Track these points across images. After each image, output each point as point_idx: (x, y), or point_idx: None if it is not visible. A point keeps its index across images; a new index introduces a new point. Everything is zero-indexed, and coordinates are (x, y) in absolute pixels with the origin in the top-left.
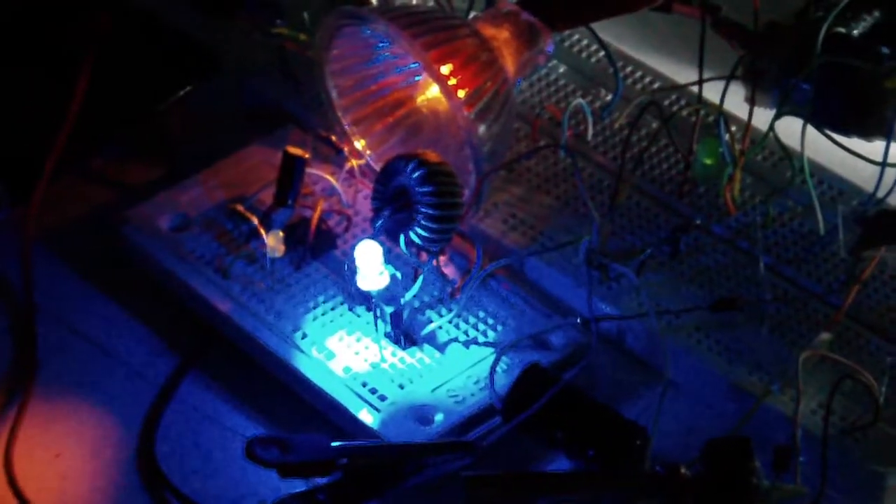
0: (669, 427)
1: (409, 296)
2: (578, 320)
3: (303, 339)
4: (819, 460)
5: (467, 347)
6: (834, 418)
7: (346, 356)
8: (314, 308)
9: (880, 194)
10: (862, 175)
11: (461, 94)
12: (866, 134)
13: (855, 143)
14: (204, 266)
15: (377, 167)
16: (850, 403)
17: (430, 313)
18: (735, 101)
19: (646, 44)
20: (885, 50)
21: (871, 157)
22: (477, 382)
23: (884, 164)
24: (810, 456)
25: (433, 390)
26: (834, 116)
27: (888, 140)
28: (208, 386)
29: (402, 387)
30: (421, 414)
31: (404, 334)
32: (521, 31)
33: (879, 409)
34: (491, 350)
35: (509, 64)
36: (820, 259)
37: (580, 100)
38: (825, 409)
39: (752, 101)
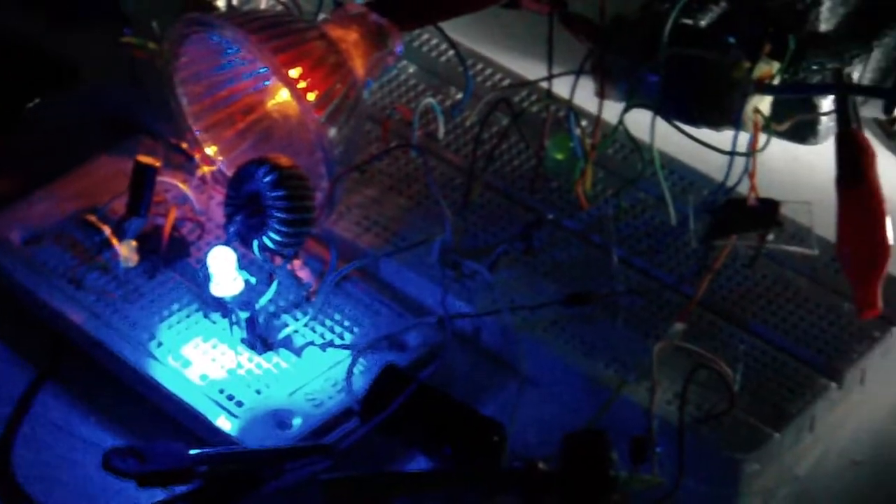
0: (527, 422)
1: (263, 301)
2: (433, 319)
3: (158, 347)
4: (676, 450)
5: (324, 350)
6: (690, 407)
7: (202, 363)
8: (169, 316)
9: (729, 184)
10: (712, 165)
11: (311, 97)
12: (715, 124)
13: (704, 133)
14: (57, 278)
15: (229, 173)
16: (706, 392)
17: (285, 317)
18: (585, 96)
19: (495, 41)
20: (732, 40)
21: (721, 147)
22: (335, 385)
23: (732, 154)
24: (667, 446)
25: (291, 394)
26: (682, 108)
27: (736, 130)
28: (65, 398)
29: (259, 392)
30: (279, 418)
31: (260, 339)
32: (369, 32)
33: (734, 396)
34: (348, 352)
35: (359, 66)
36: (672, 250)
37: (430, 99)
38: (680, 399)
39: (601, 95)
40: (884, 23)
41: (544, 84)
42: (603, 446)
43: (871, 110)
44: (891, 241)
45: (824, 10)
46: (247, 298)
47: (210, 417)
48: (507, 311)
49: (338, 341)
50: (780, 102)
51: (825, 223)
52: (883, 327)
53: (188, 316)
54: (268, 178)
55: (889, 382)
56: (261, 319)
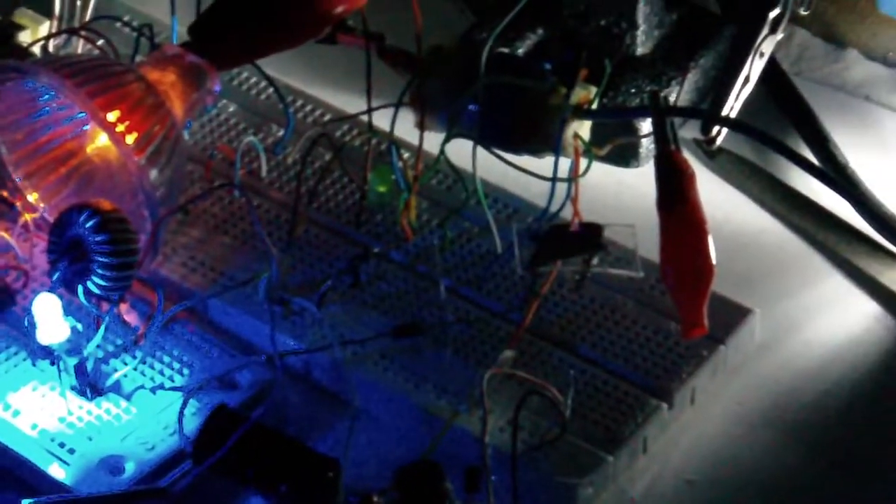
0: (362, 457)
1: (91, 346)
2: (263, 358)
3: None
4: (511, 478)
5: (154, 393)
6: (523, 434)
7: (32, 412)
8: None
9: (553, 209)
10: (535, 191)
11: (130, 140)
12: (535, 151)
13: (526, 160)
14: None
15: (52, 219)
16: (538, 418)
17: (114, 362)
18: (406, 128)
19: (314, 76)
20: (548, 66)
21: (542, 174)
22: (167, 428)
23: (554, 180)
24: (502, 474)
25: (123, 439)
26: (502, 135)
27: (556, 155)
28: None
29: (91, 438)
30: (112, 464)
31: (90, 385)
32: (186, 72)
33: (566, 422)
34: (179, 394)
35: (177, 106)
36: (499, 278)
37: (252, 137)
38: (513, 427)
39: (421, 126)
40: (699, 44)
41: (365, 117)
42: (437, 478)
43: (690, 131)
44: (713, 260)
45: (640, 33)
46: (74, 345)
47: (42, 466)
48: (337, 346)
49: (168, 384)
50: (600, 127)
51: (650, 245)
52: (710, 346)
53: (16, 365)
54: (90, 223)
55: (718, 401)
56: (89, 365)
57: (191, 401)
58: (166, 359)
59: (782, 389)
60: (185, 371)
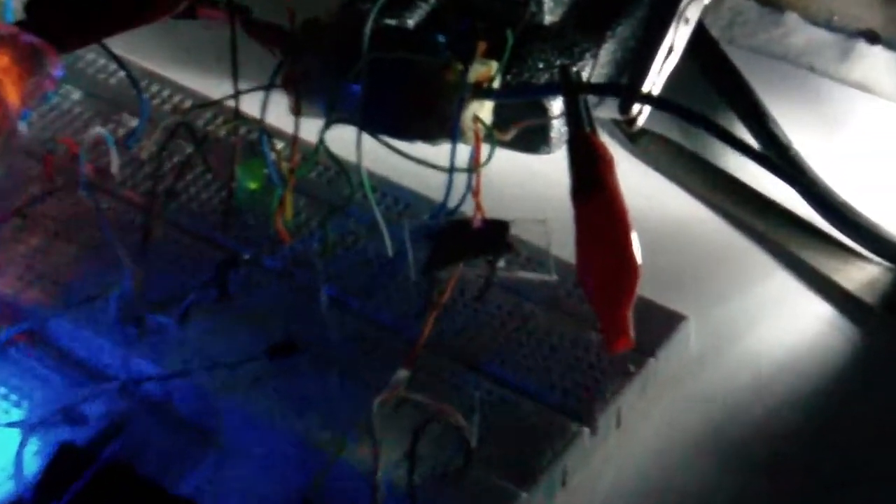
0: (233, 499)
1: None
2: (116, 385)
3: None
4: None
5: None
6: (422, 469)
7: None
8: None
9: (451, 204)
10: (430, 184)
11: None
12: (429, 137)
13: (419, 148)
14: None
15: None
16: (440, 449)
17: None
18: (279, 113)
19: (173, 58)
20: (442, 39)
21: (439, 164)
22: (2, 471)
23: (451, 170)
24: None
25: None
26: (390, 120)
27: (453, 142)
28: None
29: None
30: None
31: None
32: (22, 55)
33: (471, 452)
34: (17, 431)
35: (11, 94)
36: (391, 286)
37: (100, 129)
38: (409, 460)
39: (296, 112)
40: (616, 11)
41: (231, 103)
42: None
43: (607, 110)
44: (638, 258)
45: None
46: None
47: None
48: (202, 371)
49: (3, 419)
50: (503, 108)
51: (565, 243)
52: (638, 360)
53: None
54: None
55: (649, 422)
56: None
57: (30, 438)
58: (1, 390)
59: (722, 407)
60: (23, 403)
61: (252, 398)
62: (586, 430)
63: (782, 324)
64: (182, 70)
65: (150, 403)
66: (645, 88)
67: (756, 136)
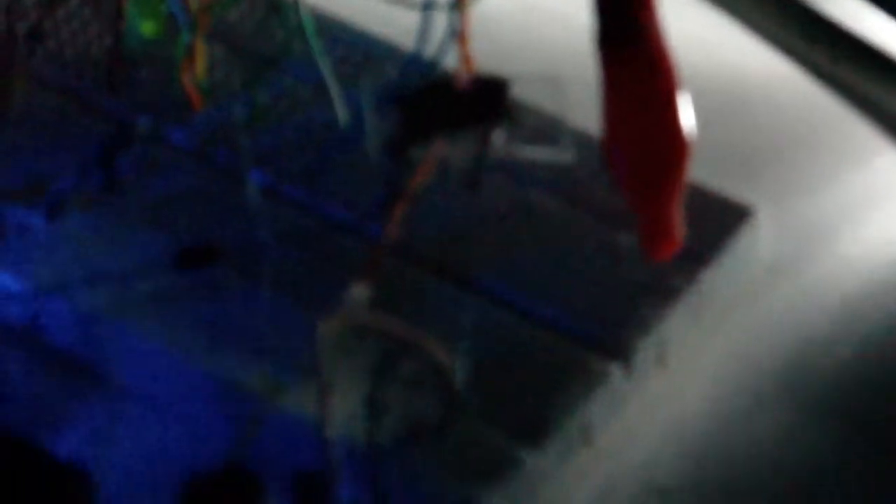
0: (129, 463)
1: None
2: None
3: None
4: (370, 491)
5: None
6: (390, 419)
7: None
8: None
9: (426, 53)
10: (400, 26)
11: None
12: None
13: None
14: None
15: None
16: (413, 395)
17: None
18: None
19: None
20: None
21: None
22: None
23: (427, 7)
24: (357, 486)
25: None
26: None
27: None
28: None
29: None
30: None
31: None
32: None
33: (458, 399)
34: None
35: None
36: (343, 168)
37: None
38: (369, 409)
39: None
40: None
41: None
42: (249, 494)
43: None
44: (688, 128)
45: None
46: None
47: None
48: (82, 285)
49: None
50: None
51: (586, 108)
52: (688, 271)
53: None
54: None
55: (704, 360)
56: None
57: None
58: None
59: (803, 338)
60: None
61: (152, 324)
62: (617, 368)
63: (889, 225)
64: None
65: (11, 331)
66: None
67: None
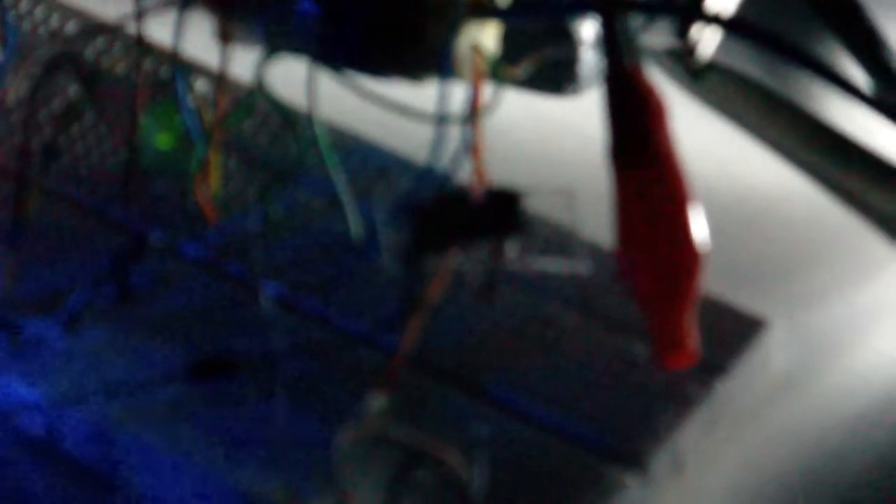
0: None
1: None
2: None
3: None
4: None
5: None
6: None
7: None
8: None
9: (440, 167)
10: (413, 139)
11: None
12: (410, 73)
13: (396, 89)
14: None
15: None
16: (429, 501)
17: None
18: (201, 41)
19: None
20: None
21: (422, 110)
22: None
23: (441, 120)
24: None
25: None
26: (357, 50)
27: (444, 79)
28: None
29: None
30: None
31: None
32: None
33: (471, 502)
34: None
35: None
36: (358, 281)
37: None
38: None
39: (225, 38)
40: None
41: (133, 26)
42: None
43: (659, 37)
44: (701, 241)
45: None
46: None
47: None
48: (97, 396)
49: None
50: (514, 34)
51: (599, 221)
52: (703, 381)
53: None
54: None
55: (719, 468)
56: None
57: None
58: None
59: (818, 447)
60: None
61: (169, 435)
62: (633, 478)
63: None
64: None
65: (29, 442)
66: (711, 5)
67: (867, 68)
